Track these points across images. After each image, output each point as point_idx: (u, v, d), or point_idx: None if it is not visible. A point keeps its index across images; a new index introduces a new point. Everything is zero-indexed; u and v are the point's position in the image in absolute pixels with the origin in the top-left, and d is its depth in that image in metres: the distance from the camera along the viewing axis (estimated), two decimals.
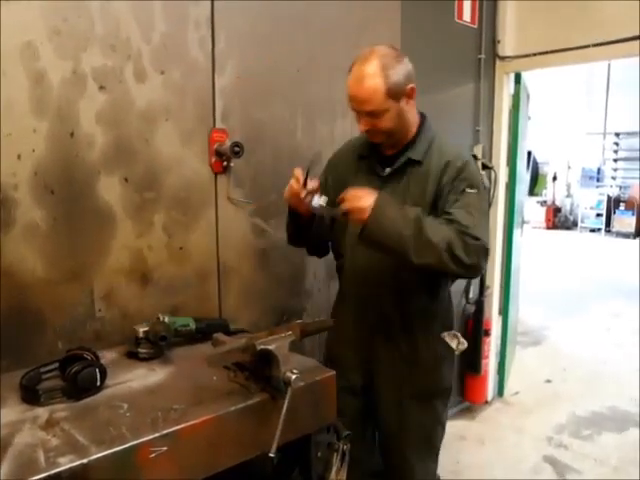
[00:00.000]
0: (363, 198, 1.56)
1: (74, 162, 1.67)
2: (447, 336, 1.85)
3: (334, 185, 1.84)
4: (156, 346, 1.58)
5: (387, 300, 1.78)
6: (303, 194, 1.64)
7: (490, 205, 3.40)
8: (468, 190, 1.64)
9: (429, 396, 1.84)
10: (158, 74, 1.83)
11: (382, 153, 1.80)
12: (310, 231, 1.82)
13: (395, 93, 1.61)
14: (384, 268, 1.74)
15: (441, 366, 1.85)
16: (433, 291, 1.81)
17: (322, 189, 1.71)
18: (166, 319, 1.67)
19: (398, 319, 1.79)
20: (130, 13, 1.74)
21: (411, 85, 1.66)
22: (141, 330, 1.60)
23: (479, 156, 3.31)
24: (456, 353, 1.87)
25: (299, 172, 1.66)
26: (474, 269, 1.60)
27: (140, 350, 1.58)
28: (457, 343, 1.87)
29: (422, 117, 1.80)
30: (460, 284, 3.29)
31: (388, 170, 1.76)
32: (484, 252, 1.58)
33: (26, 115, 1.56)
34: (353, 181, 1.76)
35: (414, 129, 1.76)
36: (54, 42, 1.59)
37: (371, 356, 1.84)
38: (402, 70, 1.63)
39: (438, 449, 1.94)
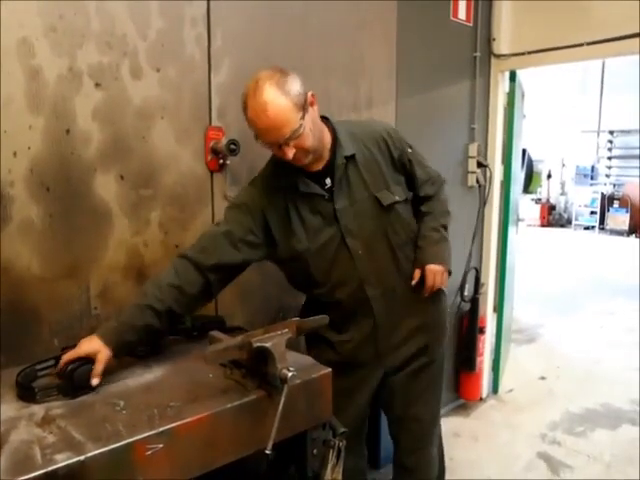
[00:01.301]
0: (439, 271, 1.85)
1: (70, 159, 1.67)
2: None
3: (279, 230, 1.72)
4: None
5: (396, 285, 1.85)
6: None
7: (485, 203, 3.45)
8: (409, 150, 1.85)
9: (439, 358, 1.99)
10: (154, 71, 1.83)
11: (307, 172, 1.71)
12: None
13: (301, 105, 1.55)
14: (380, 259, 1.80)
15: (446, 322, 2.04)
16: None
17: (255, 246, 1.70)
18: None
19: (412, 295, 1.87)
20: (126, 10, 1.74)
21: (310, 92, 1.60)
22: None
23: (474, 154, 3.33)
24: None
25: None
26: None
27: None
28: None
29: (324, 118, 1.75)
30: (455, 282, 3.30)
31: (329, 181, 1.72)
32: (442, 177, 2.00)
33: (22, 112, 1.56)
34: (295, 214, 1.71)
35: (329, 134, 1.73)
36: (50, 39, 1.59)
37: (390, 345, 1.87)
38: (294, 81, 1.55)
39: (439, 409, 2.10)
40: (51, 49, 1.59)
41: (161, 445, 1.15)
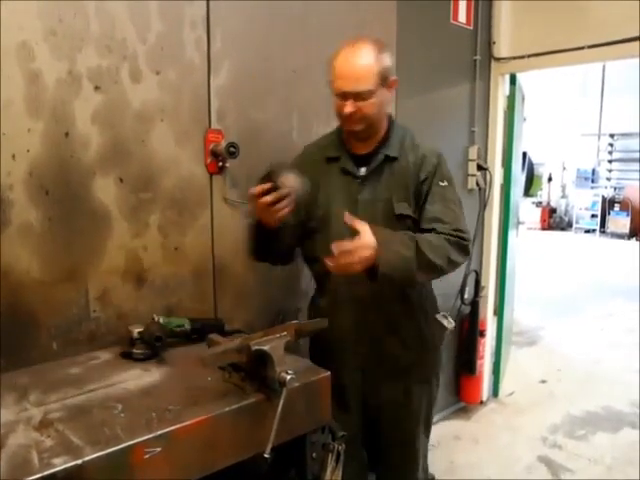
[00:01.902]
0: (362, 248, 1.52)
1: (69, 162, 1.67)
2: (439, 316, 1.94)
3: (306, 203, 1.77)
4: (151, 347, 1.58)
5: (387, 293, 1.78)
6: (281, 202, 1.54)
7: (485, 206, 3.45)
8: (441, 184, 1.73)
9: (429, 376, 1.93)
10: (154, 74, 1.83)
11: (353, 153, 1.81)
12: (279, 242, 1.75)
13: (384, 78, 1.66)
14: None
15: (439, 345, 1.95)
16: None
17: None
18: (161, 320, 1.68)
19: (399, 308, 1.83)
20: (126, 13, 1.74)
21: (394, 77, 1.71)
22: (136, 331, 1.60)
23: (474, 157, 3.33)
24: (447, 332, 1.97)
25: (260, 187, 1.54)
26: (467, 258, 1.74)
27: (135, 351, 1.58)
28: (447, 322, 1.97)
29: (389, 116, 1.84)
30: (456, 285, 3.30)
31: (364, 170, 1.78)
32: (471, 245, 1.73)
33: (21, 115, 1.56)
34: (326, 184, 1.80)
35: (385, 125, 1.80)
36: (50, 42, 1.59)
37: (373, 350, 1.84)
38: (389, 59, 1.70)
39: (431, 423, 2.04)
40: (51, 52, 1.59)
41: (159, 449, 1.14)
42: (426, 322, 1.89)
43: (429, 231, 1.67)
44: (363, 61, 1.64)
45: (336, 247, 1.51)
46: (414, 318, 1.86)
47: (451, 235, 1.65)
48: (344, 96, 1.66)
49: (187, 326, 1.73)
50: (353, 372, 1.86)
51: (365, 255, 1.52)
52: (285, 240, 1.77)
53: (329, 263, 1.53)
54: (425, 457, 2.04)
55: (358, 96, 1.64)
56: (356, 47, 1.66)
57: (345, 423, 1.68)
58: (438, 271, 1.65)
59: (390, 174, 1.77)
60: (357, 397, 1.89)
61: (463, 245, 1.67)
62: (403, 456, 1.95)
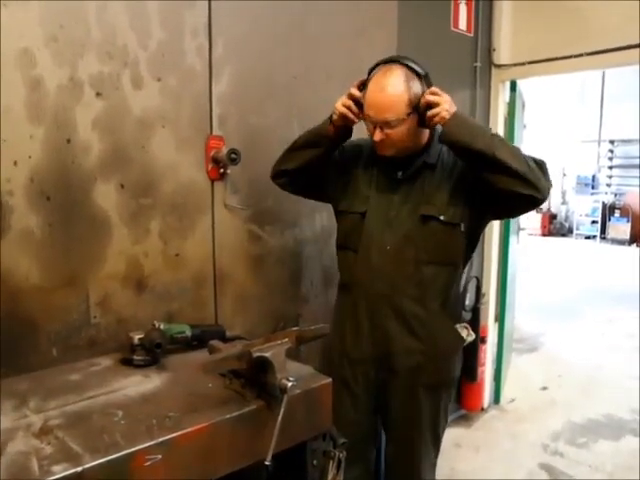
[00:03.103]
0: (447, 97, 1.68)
1: (70, 168, 1.67)
2: (459, 327, 1.92)
3: (341, 170, 1.93)
4: (151, 353, 1.58)
5: (408, 296, 1.80)
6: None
7: None
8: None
9: (439, 385, 1.90)
10: (155, 81, 1.83)
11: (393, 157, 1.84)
12: (330, 155, 1.88)
13: (415, 104, 1.67)
14: (404, 264, 1.79)
15: (454, 356, 1.92)
16: (449, 284, 1.86)
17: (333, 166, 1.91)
18: (161, 326, 1.67)
19: (420, 314, 1.83)
20: (127, 20, 1.75)
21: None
22: (136, 337, 1.59)
23: None
24: (465, 343, 1.94)
25: (354, 89, 1.74)
26: (542, 194, 1.69)
27: (135, 357, 1.57)
28: (467, 334, 1.95)
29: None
30: None
31: (400, 173, 1.82)
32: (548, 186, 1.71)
33: (22, 121, 1.56)
34: (362, 174, 1.89)
35: (426, 137, 1.82)
36: (51, 49, 1.59)
37: (388, 350, 1.85)
38: (420, 86, 1.69)
39: (440, 437, 1.99)
40: (52, 59, 1.60)
41: (160, 456, 1.14)
42: (443, 329, 1.87)
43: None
44: (393, 90, 1.66)
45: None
46: (432, 322, 1.84)
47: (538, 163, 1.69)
48: (373, 124, 1.71)
49: (188, 333, 1.72)
50: (365, 365, 1.89)
51: (449, 100, 1.68)
52: (326, 158, 1.88)
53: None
54: (432, 467, 2.01)
55: (387, 124, 1.68)
56: (387, 76, 1.67)
57: (355, 422, 1.88)
58: (522, 163, 1.63)
59: (425, 179, 1.81)
60: (368, 393, 1.91)
61: (545, 170, 1.70)
62: (404, 457, 1.95)
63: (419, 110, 1.68)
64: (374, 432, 2.04)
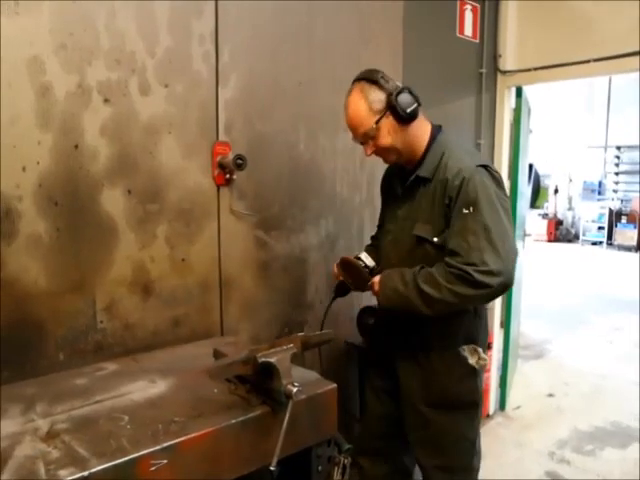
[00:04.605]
0: (374, 283, 1.82)
1: (78, 174, 1.68)
2: (466, 350, 1.82)
3: (383, 200, 2.05)
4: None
5: (405, 317, 1.79)
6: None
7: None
8: (464, 211, 1.64)
9: (446, 407, 1.83)
10: (162, 87, 1.85)
11: (403, 171, 1.87)
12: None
13: (378, 110, 1.69)
14: None
15: (460, 379, 1.83)
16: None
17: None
18: None
19: (415, 335, 1.83)
20: (135, 28, 1.76)
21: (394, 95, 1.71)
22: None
23: None
24: (476, 367, 1.83)
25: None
26: (489, 291, 1.61)
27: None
28: (477, 358, 1.83)
29: (434, 130, 1.81)
30: None
31: (400, 190, 1.86)
32: (486, 273, 1.57)
33: (31, 128, 1.58)
34: (389, 194, 1.97)
35: (424, 144, 1.78)
36: (60, 56, 1.61)
37: (394, 363, 1.91)
38: (384, 88, 1.70)
39: (462, 462, 1.91)
40: (61, 66, 1.61)
41: (165, 461, 1.14)
42: (440, 349, 1.82)
43: (448, 263, 1.65)
44: (352, 107, 1.72)
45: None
46: (428, 345, 1.82)
47: (457, 269, 1.60)
48: (359, 142, 1.78)
49: None
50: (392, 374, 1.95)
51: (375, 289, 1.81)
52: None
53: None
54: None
55: (366, 137, 1.74)
56: (346, 99, 1.75)
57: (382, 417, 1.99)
58: (445, 303, 1.63)
59: (422, 194, 1.78)
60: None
61: (468, 280, 1.58)
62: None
63: (391, 111, 1.70)
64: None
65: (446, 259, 1.64)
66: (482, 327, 1.92)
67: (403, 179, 1.85)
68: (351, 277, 1.91)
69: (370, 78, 1.71)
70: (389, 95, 1.69)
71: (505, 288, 1.63)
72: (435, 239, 1.72)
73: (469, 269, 1.57)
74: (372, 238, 2.18)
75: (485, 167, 1.70)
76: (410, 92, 1.71)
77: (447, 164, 1.72)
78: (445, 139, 1.79)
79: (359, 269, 1.90)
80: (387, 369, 1.95)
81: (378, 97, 1.70)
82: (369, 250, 2.04)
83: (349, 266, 1.90)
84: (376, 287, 1.80)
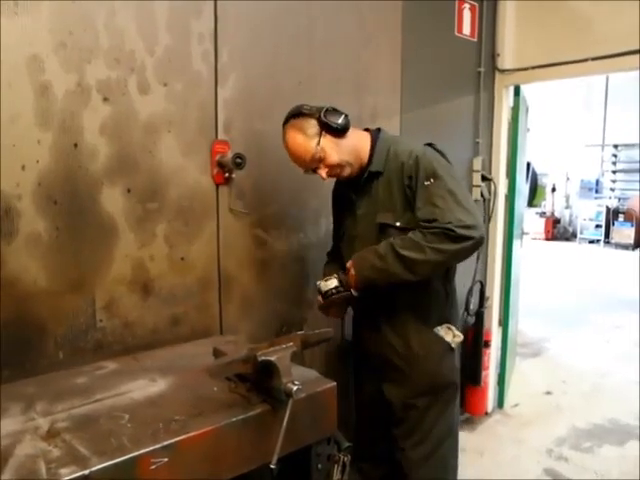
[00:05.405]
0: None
1: (77, 173, 1.68)
2: (441, 330, 1.92)
3: (335, 215, 2.14)
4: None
5: (370, 295, 1.87)
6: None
7: (490, 217, 3.45)
8: (426, 183, 1.75)
9: (428, 392, 1.92)
10: (161, 86, 1.85)
11: (351, 179, 1.94)
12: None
13: (314, 134, 1.79)
14: None
15: (440, 360, 1.93)
16: (415, 288, 1.84)
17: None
18: None
19: (382, 315, 1.91)
20: (134, 27, 1.76)
21: (324, 112, 1.80)
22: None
23: (479, 168, 3.34)
24: (452, 346, 1.93)
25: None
26: (471, 243, 1.70)
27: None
28: (452, 336, 1.93)
29: (374, 133, 1.93)
30: (460, 296, 3.29)
31: (353, 195, 1.95)
32: (464, 227, 1.67)
33: (31, 126, 1.57)
34: (342, 205, 2.04)
35: (367, 147, 1.89)
36: (59, 55, 1.61)
37: (375, 351, 2.00)
38: (311, 114, 1.80)
39: (445, 448, 1.98)
40: (60, 65, 1.61)
41: (166, 459, 1.15)
42: (417, 333, 1.90)
43: (425, 227, 1.73)
44: (290, 144, 1.82)
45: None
46: (402, 327, 1.91)
47: (437, 228, 1.68)
48: (312, 170, 1.86)
49: None
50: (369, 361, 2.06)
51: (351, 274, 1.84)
52: None
53: None
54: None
55: (316, 162, 1.81)
56: (284, 140, 1.85)
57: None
58: (429, 264, 1.70)
59: (377, 188, 1.88)
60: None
61: (451, 235, 1.66)
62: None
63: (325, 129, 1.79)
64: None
65: (422, 225, 1.72)
66: (453, 306, 2.02)
67: (354, 184, 1.93)
68: (337, 305, 1.95)
69: (294, 113, 1.82)
70: (317, 117, 1.78)
71: (482, 240, 1.73)
72: (398, 223, 1.82)
73: (449, 226, 1.67)
74: (328, 254, 2.19)
75: (430, 145, 1.87)
76: (334, 109, 1.81)
77: (396, 152, 1.85)
78: (387, 136, 1.93)
79: (335, 300, 1.89)
80: (374, 370, 2.02)
81: (309, 123, 1.79)
82: (329, 268, 2.06)
83: (331, 305, 1.93)
84: (352, 272, 1.82)
